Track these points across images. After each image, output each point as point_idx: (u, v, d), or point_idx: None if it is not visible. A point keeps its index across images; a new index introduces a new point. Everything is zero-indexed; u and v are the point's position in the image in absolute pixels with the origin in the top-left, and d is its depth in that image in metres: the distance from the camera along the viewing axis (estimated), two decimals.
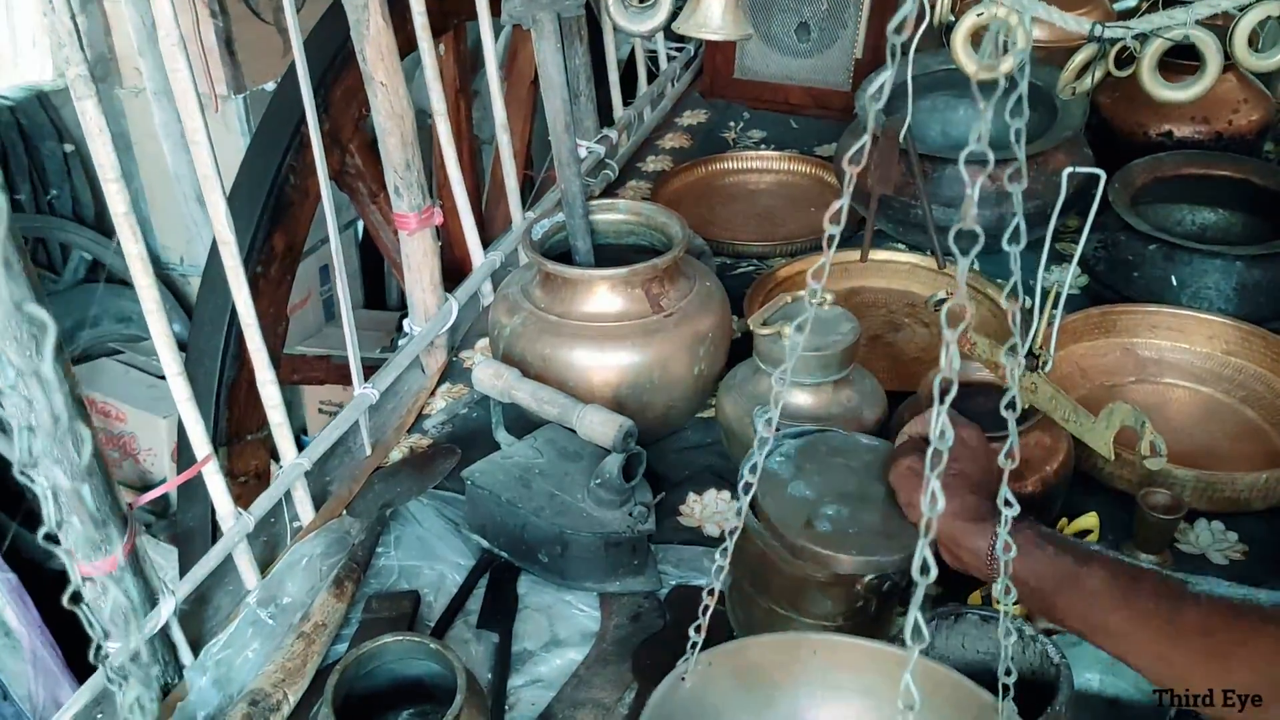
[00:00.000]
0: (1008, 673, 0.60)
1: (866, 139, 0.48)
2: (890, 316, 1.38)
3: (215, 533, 1.26)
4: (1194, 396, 1.22)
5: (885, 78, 0.46)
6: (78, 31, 0.72)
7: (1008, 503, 0.53)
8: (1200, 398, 1.22)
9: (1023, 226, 0.42)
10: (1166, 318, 1.24)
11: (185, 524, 1.20)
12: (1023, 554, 0.70)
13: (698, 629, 0.67)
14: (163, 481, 2.17)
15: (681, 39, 1.95)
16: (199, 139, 0.85)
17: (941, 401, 0.44)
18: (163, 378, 2.25)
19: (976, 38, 0.89)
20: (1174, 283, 1.26)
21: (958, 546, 0.79)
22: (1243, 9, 0.80)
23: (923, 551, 0.42)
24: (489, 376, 1.04)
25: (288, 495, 1.03)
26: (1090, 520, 1.00)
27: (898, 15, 0.43)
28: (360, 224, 2.56)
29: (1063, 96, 0.92)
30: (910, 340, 1.34)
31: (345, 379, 1.89)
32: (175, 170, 2.31)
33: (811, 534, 0.82)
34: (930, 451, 0.45)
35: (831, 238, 0.53)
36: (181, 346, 2.37)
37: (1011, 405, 0.51)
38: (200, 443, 0.91)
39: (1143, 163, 1.39)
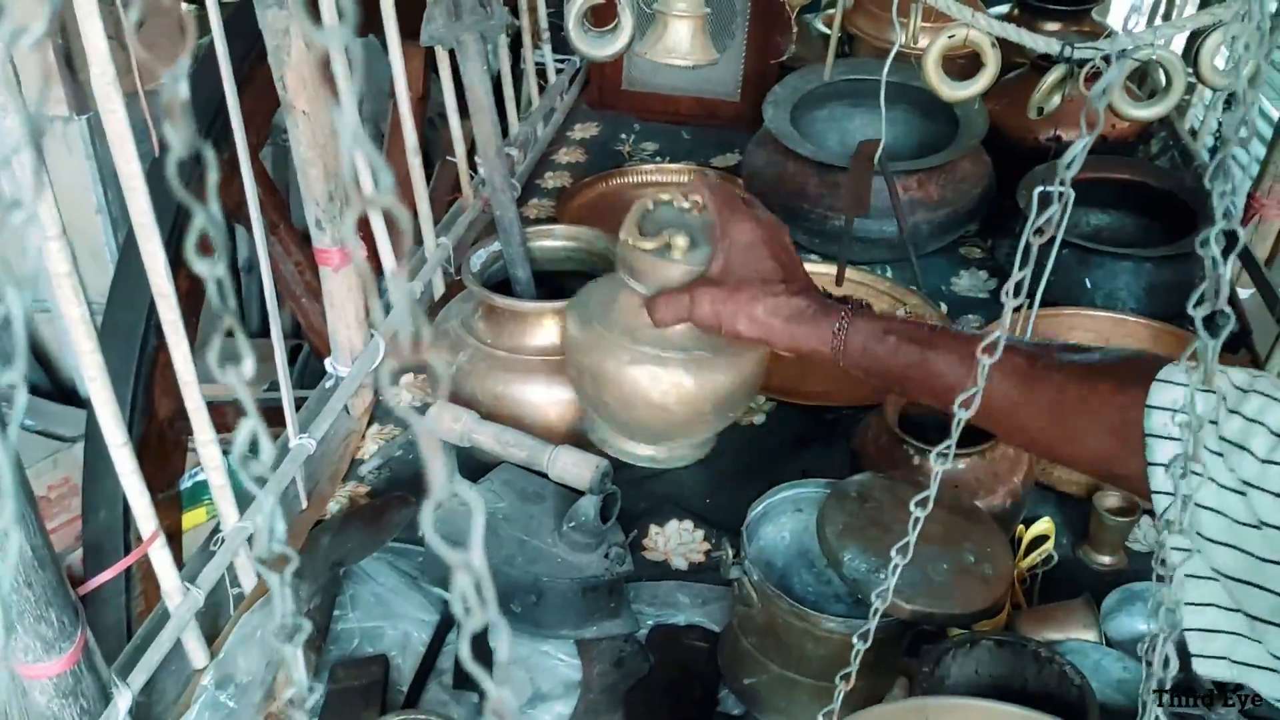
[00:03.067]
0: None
1: None
2: None
3: (129, 609, 1.16)
4: None
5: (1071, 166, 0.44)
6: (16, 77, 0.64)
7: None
8: None
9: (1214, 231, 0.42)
10: (1084, 319, 1.29)
11: (99, 600, 1.10)
12: (863, 344, 0.81)
13: (827, 714, 0.64)
14: None
15: (568, 50, 1.91)
16: (135, 185, 0.77)
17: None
18: None
19: (948, 61, 0.89)
20: (1088, 285, 1.30)
21: (798, 349, 0.85)
22: (1207, 30, 0.84)
23: (1164, 648, 0.41)
24: (446, 420, 0.99)
25: None
26: (1046, 526, 1.03)
27: (1068, 163, 0.41)
28: None
29: (1031, 115, 0.94)
30: None
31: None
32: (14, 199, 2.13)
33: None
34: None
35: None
36: (42, 394, 2.18)
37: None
38: (147, 518, 0.83)
39: (1043, 169, 1.43)
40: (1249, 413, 0.62)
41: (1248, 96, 0.38)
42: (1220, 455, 0.62)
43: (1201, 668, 0.67)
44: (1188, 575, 0.65)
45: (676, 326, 0.89)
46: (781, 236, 0.89)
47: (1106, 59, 0.84)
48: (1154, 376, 0.68)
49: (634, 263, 0.90)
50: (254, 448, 0.28)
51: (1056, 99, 0.89)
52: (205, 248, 0.26)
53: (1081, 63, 0.84)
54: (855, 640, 0.65)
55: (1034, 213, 0.46)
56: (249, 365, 0.25)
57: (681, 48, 0.91)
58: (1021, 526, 1.02)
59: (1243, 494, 0.61)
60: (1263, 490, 0.60)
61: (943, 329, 0.79)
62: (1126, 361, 0.74)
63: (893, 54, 0.86)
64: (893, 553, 0.63)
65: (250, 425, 0.25)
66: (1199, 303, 0.42)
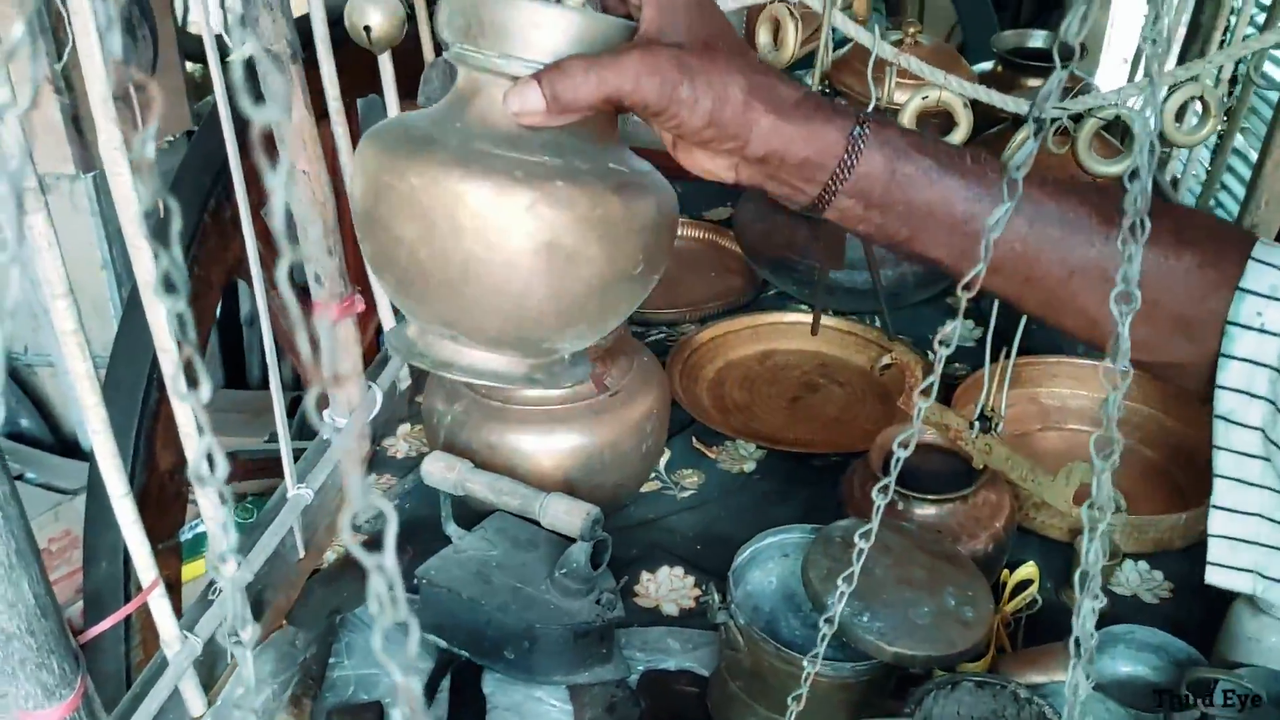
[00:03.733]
0: None
1: None
2: (805, 378, 1.41)
3: (129, 658, 1.17)
4: None
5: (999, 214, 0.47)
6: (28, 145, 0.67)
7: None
8: None
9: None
10: (1067, 367, 1.32)
11: (100, 649, 1.12)
12: (887, 162, 0.58)
13: None
14: None
15: None
16: (140, 244, 0.80)
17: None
18: None
19: (929, 118, 0.93)
20: None
21: (784, 156, 0.58)
22: (1171, 89, 0.87)
23: (1075, 676, 0.43)
24: (440, 469, 1.01)
25: None
26: (1030, 570, 1.05)
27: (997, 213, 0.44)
28: None
29: (1004, 177, 0.97)
30: (829, 400, 1.37)
31: (260, 473, 1.81)
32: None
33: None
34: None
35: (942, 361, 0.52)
36: (44, 447, 2.21)
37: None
38: (147, 568, 0.85)
39: None
40: None
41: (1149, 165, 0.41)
42: None
43: (1216, 577, 0.64)
44: (1236, 479, 0.61)
45: (563, 128, 0.57)
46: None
47: (1074, 118, 0.87)
48: (1247, 254, 0.59)
49: (489, 14, 0.56)
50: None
51: (1029, 165, 0.92)
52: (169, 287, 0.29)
53: (1050, 121, 0.88)
54: (805, 662, 0.67)
55: (979, 265, 0.48)
56: (206, 390, 0.28)
57: None
58: (1006, 571, 1.04)
59: None
60: None
61: (988, 158, 0.59)
62: (1213, 233, 0.63)
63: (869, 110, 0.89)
64: (839, 581, 0.65)
65: (206, 442, 0.28)
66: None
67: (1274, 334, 0.58)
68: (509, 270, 0.56)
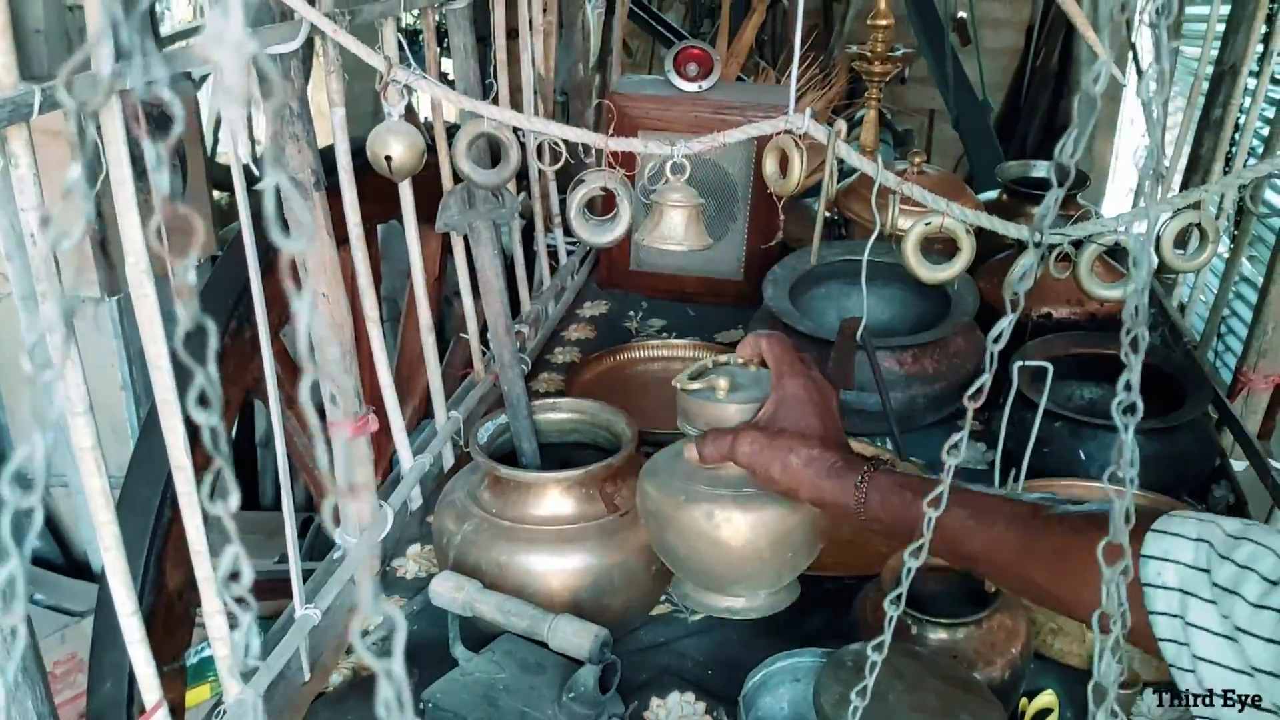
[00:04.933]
0: None
1: None
2: None
3: None
4: None
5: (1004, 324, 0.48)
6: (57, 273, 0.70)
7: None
8: None
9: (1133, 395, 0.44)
10: (1080, 490, 1.31)
11: None
12: (882, 499, 0.85)
13: None
14: None
15: None
16: (161, 364, 0.82)
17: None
18: None
19: (937, 242, 0.95)
20: (1083, 456, 1.33)
21: (822, 502, 0.89)
22: (1169, 217, 0.90)
23: None
24: (449, 589, 1.00)
25: None
26: (1049, 699, 1.02)
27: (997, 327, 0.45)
28: None
29: (1007, 296, 0.99)
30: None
31: (269, 594, 1.79)
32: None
33: None
34: None
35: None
36: (55, 568, 2.20)
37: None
38: (151, 688, 0.84)
39: (1035, 344, 1.49)
40: (1240, 559, 0.63)
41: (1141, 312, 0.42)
42: (1214, 603, 0.63)
43: None
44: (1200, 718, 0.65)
45: (732, 468, 0.93)
46: (829, 399, 0.94)
47: (1075, 244, 0.89)
48: (1148, 527, 0.69)
49: (685, 405, 0.97)
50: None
51: (1029, 281, 0.94)
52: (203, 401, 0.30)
53: (1052, 247, 0.90)
54: None
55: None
56: (235, 499, 0.29)
57: (677, 235, 0.97)
58: (1025, 699, 1.02)
59: (1235, 640, 0.62)
60: (1253, 636, 0.61)
61: (962, 489, 0.81)
62: (1100, 525, 0.74)
63: (873, 238, 0.92)
64: (852, 695, 0.65)
65: (233, 551, 0.28)
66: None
67: (1174, 589, 0.67)
68: (693, 551, 0.94)
